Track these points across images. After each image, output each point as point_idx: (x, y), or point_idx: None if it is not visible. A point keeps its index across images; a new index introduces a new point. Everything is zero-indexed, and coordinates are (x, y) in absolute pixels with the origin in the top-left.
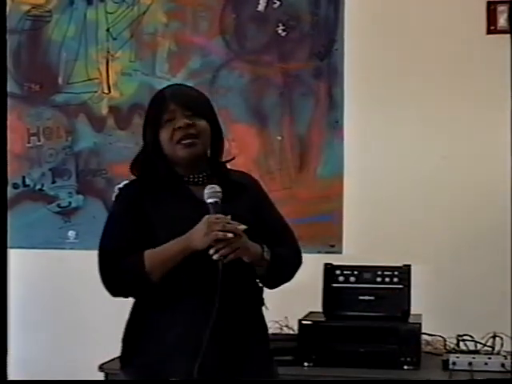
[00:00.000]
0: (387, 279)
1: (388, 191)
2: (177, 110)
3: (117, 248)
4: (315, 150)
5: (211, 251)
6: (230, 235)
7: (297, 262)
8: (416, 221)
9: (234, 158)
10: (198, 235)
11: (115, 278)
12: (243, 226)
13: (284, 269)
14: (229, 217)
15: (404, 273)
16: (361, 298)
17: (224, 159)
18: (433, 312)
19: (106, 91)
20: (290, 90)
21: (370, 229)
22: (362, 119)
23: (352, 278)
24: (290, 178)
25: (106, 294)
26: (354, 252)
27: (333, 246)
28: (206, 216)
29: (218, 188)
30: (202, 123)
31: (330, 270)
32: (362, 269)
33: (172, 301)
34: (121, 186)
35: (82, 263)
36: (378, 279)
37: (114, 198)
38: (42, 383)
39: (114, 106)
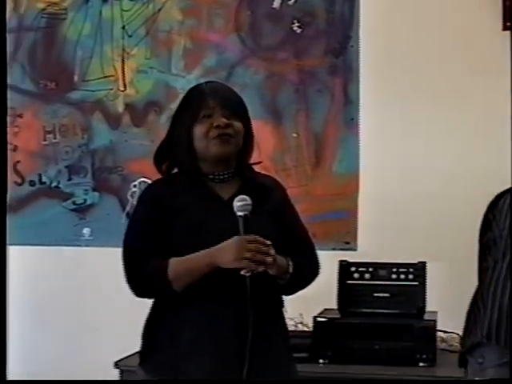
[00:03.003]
0: (402, 276)
1: (403, 188)
2: (216, 107)
3: (141, 248)
4: (331, 147)
5: (242, 272)
6: (262, 268)
7: (315, 274)
8: (432, 218)
9: (261, 162)
10: (228, 256)
11: (139, 282)
12: (269, 243)
13: (304, 280)
14: (260, 239)
15: (419, 270)
16: (376, 295)
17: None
18: (448, 309)
19: (122, 88)
20: (305, 87)
21: (385, 226)
22: (378, 116)
23: (367, 275)
24: (306, 174)
25: (121, 291)
26: (369, 249)
27: (348, 243)
28: (237, 238)
29: (248, 200)
30: (238, 124)
31: (344, 267)
32: (377, 266)
33: (192, 300)
34: (136, 183)
35: (97, 260)
36: (393, 276)
37: (129, 196)
38: (41, 383)
39: (130, 104)
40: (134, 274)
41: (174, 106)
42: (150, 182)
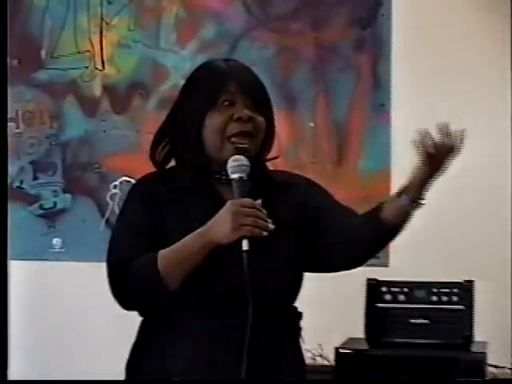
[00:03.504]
0: (444, 298)
1: (445, 191)
2: (238, 94)
3: (129, 258)
4: (356, 140)
5: (244, 245)
6: (265, 234)
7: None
8: (478, 228)
9: (277, 157)
10: (223, 229)
11: (125, 286)
12: (271, 226)
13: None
14: (259, 201)
15: (465, 290)
16: (412, 321)
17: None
18: (499, 339)
19: (100, 67)
20: (324, 65)
21: (423, 237)
22: (414, 101)
23: (401, 297)
24: (326, 173)
25: (95, 314)
26: (403, 265)
27: (377, 258)
28: (230, 202)
29: (244, 160)
30: (261, 120)
31: (374, 287)
32: (413, 285)
33: (183, 318)
34: (116, 182)
35: (69, 277)
36: (434, 298)
37: (108, 199)
38: (41, 383)
39: (110, 86)
40: (119, 279)
41: (164, 88)
42: (133, 181)
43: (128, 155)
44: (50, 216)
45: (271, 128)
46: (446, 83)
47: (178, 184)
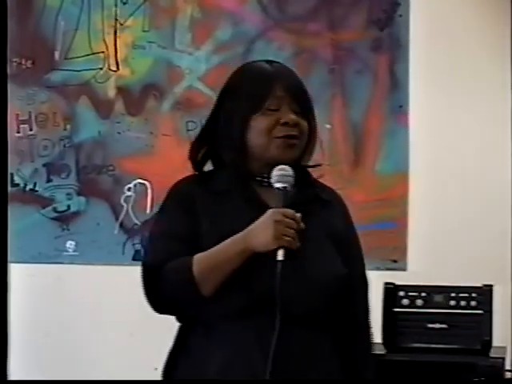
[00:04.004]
0: (463, 303)
1: (465, 193)
2: (285, 98)
3: (164, 261)
4: (373, 141)
5: (279, 256)
6: (298, 244)
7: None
8: (499, 230)
9: (320, 165)
10: (263, 236)
11: (158, 289)
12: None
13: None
14: (299, 215)
15: (484, 295)
16: (430, 326)
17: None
18: None
19: (114, 68)
20: (341, 67)
21: (441, 240)
22: (432, 103)
23: (419, 302)
24: (342, 175)
25: (109, 317)
26: (421, 269)
27: (395, 262)
28: (272, 210)
29: (289, 170)
30: (305, 124)
31: (391, 291)
32: (431, 290)
33: (219, 323)
34: (131, 185)
35: (83, 281)
36: (452, 303)
37: (123, 202)
38: (41, 383)
39: (124, 87)
40: (153, 281)
41: (178, 89)
42: (147, 184)
43: (142, 157)
44: (64, 219)
45: (313, 133)
46: (465, 84)
47: (217, 186)
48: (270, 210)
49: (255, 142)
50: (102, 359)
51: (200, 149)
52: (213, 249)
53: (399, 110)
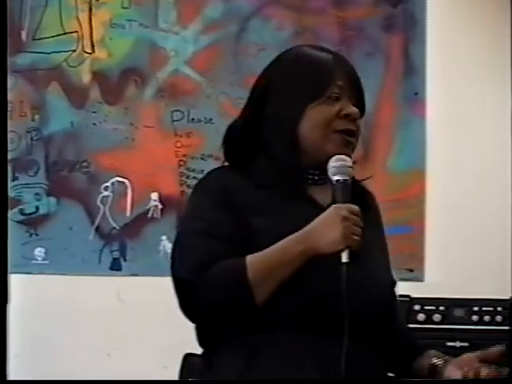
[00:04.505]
0: (487, 318)
1: (490, 192)
2: (345, 88)
3: (207, 263)
4: (386, 134)
5: (344, 258)
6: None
7: None
8: None
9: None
10: (330, 235)
11: (200, 295)
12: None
13: None
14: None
15: (511, 309)
16: (450, 344)
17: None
18: None
19: (89, 50)
20: (349, 48)
21: (463, 246)
22: (452, 89)
23: (437, 316)
24: None
25: (82, 335)
26: (440, 279)
27: (411, 271)
28: (337, 206)
29: (349, 161)
30: (360, 119)
31: (406, 305)
32: (451, 303)
33: (266, 338)
34: (108, 184)
35: (54, 292)
36: (474, 318)
37: (99, 203)
38: (42, 383)
39: (100, 72)
40: (193, 287)
41: (162, 74)
42: (127, 182)
43: (121, 152)
44: (32, 222)
45: (360, 128)
46: (490, 67)
47: (261, 179)
48: (334, 206)
49: (310, 134)
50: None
51: (240, 135)
52: (267, 250)
53: (415, 97)
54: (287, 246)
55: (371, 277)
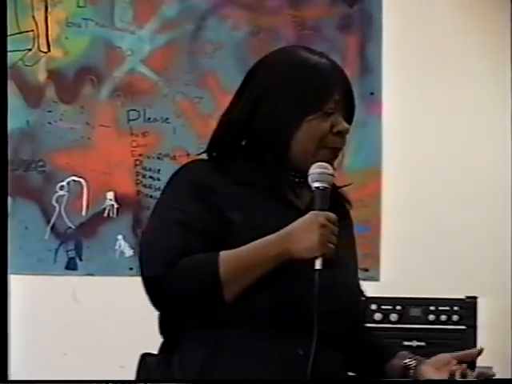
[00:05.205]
0: (444, 317)
1: (446, 191)
2: (340, 103)
3: (179, 257)
4: None
5: (317, 264)
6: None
7: None
8: (485, 234)
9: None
10: (307, 240)
11: (171, 285)
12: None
13: None
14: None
15: (468, 308)
16: (406, 343)
17: None
18: (507, 362)
19: (45, 49)
20: None
21: (419, 246)
22: (408, 89)
23: (393, 316)
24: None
25: (42, 332)
26: (395, 279)
27: (366, 270)
28: (315, 213)
29: (330, 169)
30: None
31: (362, 304)
32: (407, 302)
33: (234, 335)
34: (64, 183)
35: (10, 292)
36: (431, 317)
37: (54, 202)
38: (41, 383)
39: (56, 70)
40: (164, 276)
41: (118, 74)
42: (82, 181)
43: (77, 151)
44: None
45: None
46: (445, 68)
47: (242, 176)
48: (313, 213)
49: (301, 147)
50: None
51: (229, 132)
52: (242, 248)
53: (370, 97)
54: (262, 246)
55: (342, 284)
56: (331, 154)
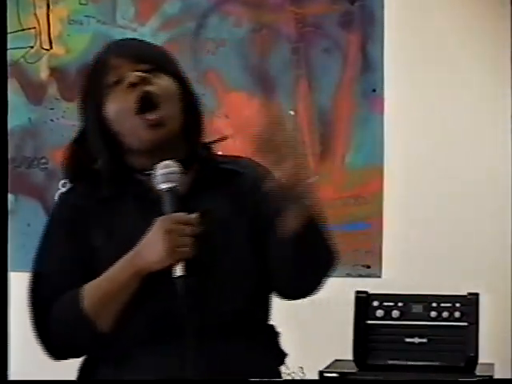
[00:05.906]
0: (445, 314)
1: (448, 189)
2: (124, 65)
3: (53, 288)
4: (343, 130)
5: (177, 271)
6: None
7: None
8: (488, 232)
9: (226, 138)
10: (154, 252)
11: (50, 332)
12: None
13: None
14: (195, 215)
15: (469, 305)
16: (408, 340)
17: (211, 139)
18: (509, 360)
19: (47, 46)
20: (306, 45)
21: (421, 243)
22: (410, 86)
23: (395, 313)
24: (308, 169)
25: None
26: (397, 276)
27: (368, 267)
28: (160, 219)
29: (174, 166)
30: (164, 80)
31: (364, 301)
32: (409, 299)
33: (126, 353)
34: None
35: (11, 289)
36: (433, 314)
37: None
38: (41, 383)
39: (58, 68)
40: (44, 327)
41: None
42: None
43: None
44: None
45: (187, 90)
46: (447, 65)
47: (102, 192)
48: (159, 219)
49: (119, 128)
50: None
51: (75, 154)
52: (102, 276)
53: (372, 94)
54: (118, 271)
55: (223, 276)
56: (150, 116)
